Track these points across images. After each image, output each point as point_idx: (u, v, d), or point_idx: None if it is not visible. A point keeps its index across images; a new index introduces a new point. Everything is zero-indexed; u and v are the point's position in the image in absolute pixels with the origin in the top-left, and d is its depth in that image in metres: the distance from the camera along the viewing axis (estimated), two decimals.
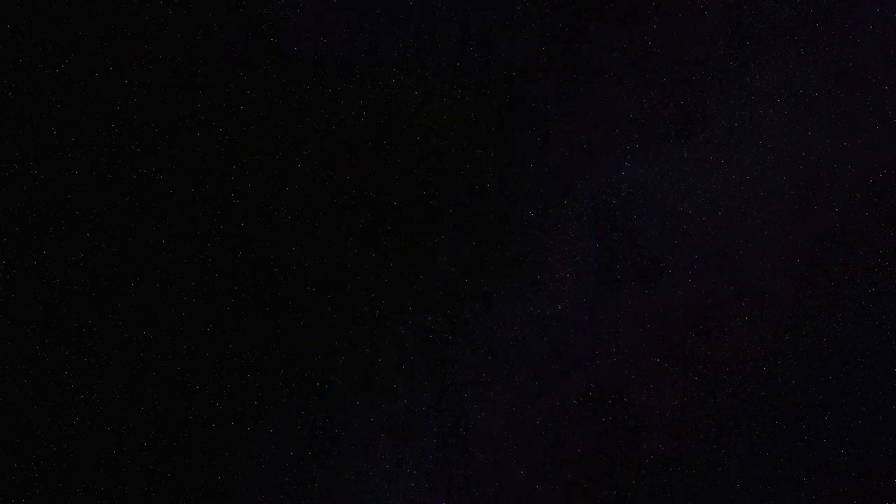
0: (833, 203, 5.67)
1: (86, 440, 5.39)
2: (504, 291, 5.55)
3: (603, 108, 5.62)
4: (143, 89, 5.39)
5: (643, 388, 5.64)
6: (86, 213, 5.38)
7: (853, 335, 5.69)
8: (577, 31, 5.60)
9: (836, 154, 5.67)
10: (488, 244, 5.53)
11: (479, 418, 5.54)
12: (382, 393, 5.51)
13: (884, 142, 5.68)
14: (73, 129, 5.37)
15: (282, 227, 5.43)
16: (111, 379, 5.40)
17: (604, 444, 5.64)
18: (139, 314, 5.41)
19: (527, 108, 5.53)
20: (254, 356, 5.45)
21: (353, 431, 5.51)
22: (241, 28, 5.42)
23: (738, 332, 5.68)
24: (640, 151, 5.62)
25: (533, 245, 5.56)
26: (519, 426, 5.56)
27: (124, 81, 5.38)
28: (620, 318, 5.64)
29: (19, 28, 5.36)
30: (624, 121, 5.63)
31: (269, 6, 5.45)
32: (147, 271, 5.41)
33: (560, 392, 5.61)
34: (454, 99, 5.49)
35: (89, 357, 5.39)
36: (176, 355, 5.43)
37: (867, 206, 5.68)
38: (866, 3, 5.67)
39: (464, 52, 5.50)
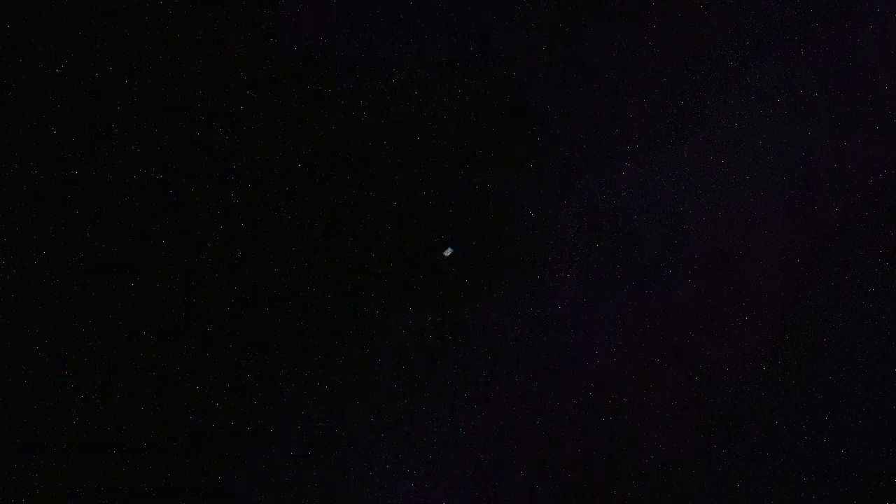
0: (833, 203, 5.68)
1: (86, 440, 5.40)
2: (504, 291, 5.56)
3: (603, 108, 5.62)
4: (143, 89, 5.39)
5: (643, 388, 5.64)
6: (86, 213, 5.38)
7: (853, 335, 5.70)
8: (578, 31, 5.60)
9: (836, 154, 5.67)
10: (488, 244, 5.53)
11: (479, 418, 5.55)
12: (382, 393, 5.51)
13: (884, 142, 5.68)
14: (73, 129, 5.37)
15: (282, 227, 5.44)
16: (111, 379, 5.41)
17: (604, 444, 5.64)
18: (139, 314, 5.41)
19: (527, 108, 5.54)
20: (254, 356, 5.45)
21: (353, 431, 5.51)
22: (241, 28, 5.43)
23: (738, 332, 5.69)
24: (640, 151, 5.63)
25: (533, 245, 5.56)
26: (519, 426, 5.57)
27: (124, 81, 5.39)
28: (620, 318, 5.64)
29: (19, 28, 5.37)
30: (624, 121, 5.63)
31: (269, 6, 5.45)
32: (147, 271, 5.41)
33: (560, 392, 5.61)
34: (454, 99, 5.49)
35: (89, 357, 5.39)
36: (176, 355, 5.43)
37: (867, 206, 5.69)
38: (866, 3, 5.68)
39: (464, 52, 5.50)
